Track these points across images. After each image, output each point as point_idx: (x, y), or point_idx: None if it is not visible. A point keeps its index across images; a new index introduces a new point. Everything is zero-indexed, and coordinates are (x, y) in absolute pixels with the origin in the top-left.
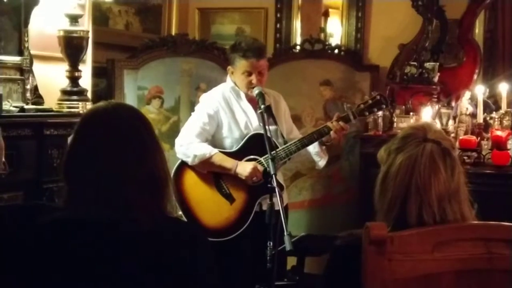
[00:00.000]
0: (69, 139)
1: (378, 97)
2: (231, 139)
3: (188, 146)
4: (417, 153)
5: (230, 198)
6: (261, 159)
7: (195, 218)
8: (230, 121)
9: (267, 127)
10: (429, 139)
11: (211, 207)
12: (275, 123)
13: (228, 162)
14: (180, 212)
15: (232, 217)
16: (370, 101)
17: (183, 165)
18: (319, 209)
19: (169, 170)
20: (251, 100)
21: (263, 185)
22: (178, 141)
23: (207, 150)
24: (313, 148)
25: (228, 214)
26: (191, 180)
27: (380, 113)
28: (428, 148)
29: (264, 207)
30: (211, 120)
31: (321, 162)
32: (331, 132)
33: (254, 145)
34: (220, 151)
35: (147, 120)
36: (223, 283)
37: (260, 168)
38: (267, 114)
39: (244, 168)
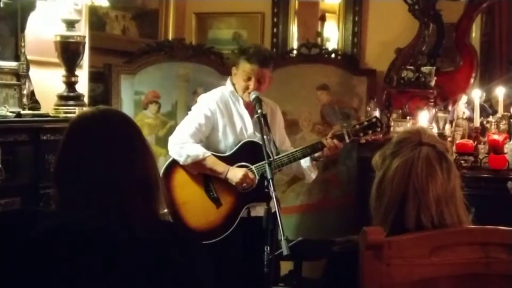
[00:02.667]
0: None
1: (374, 119)
2: (225, 143)
3: (182, 145)
4: (413, 157)
5: (217, 202)
6: (252, 167)
7: (180, 218)
8: (226, 124)
9: (264, 135)
10: (424, 143)
11: (197, 208)
12: (269, 132)
13: (220, 166)
14: (166, 210)
15: (217, 221)
16: (365, 123)
17: (174, 163)
18: (316, 213)
19: (160, 174)
20: (247, 106)
21: (252, 192)
22: (172, 139)
23: (200, 151)
24: (304, 162)
25: (213, 217)
26: (180, 180)
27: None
28: (424, 151)
29: (253, 213)
30: (207, 121)
31: (311, 176)
32: (325, 149)
33: (246, 152)
34: (213, 154)
35: (136, 125)
36: None
37: (250, 175)
38: (264, 121)
39: (235, 174)
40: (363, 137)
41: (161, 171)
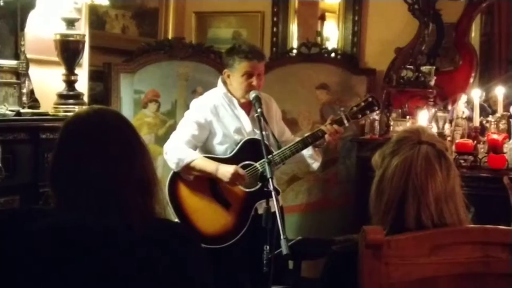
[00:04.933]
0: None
1: (370, 99)
2: (226, 145)
3: (173, 151)
4: (413, 155)
5: (226, 204)
6: (256, 164)
7: (193, 227)
8: (223, 130)
9: (263, 132)
10: (424, 141)
11: (208, 214)
12: (268, 127)
13: (209, 167)
14: (176, 220)
15: (229, 223)
16: (362, 103)
17: (177, 175)
18: (315, 212)
19: (157, 172)
20: (243, 105)
21: (260, 190)
22: (164, 147)
23: (188, 155)
24: (307, 151)
25: (225, 220)
26: (186, 189)
27: (374, 114)
28: (423, 150)
29: (260, 211)
30: (201, 128)
31: (315, 165)
32: (326, 136)
33: (248, 151)
34: (214, 158)
35: (131, 123)
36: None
37: (241, 171)
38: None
39: (225, 173)
40: (362, 118)
41: (166, 180)
